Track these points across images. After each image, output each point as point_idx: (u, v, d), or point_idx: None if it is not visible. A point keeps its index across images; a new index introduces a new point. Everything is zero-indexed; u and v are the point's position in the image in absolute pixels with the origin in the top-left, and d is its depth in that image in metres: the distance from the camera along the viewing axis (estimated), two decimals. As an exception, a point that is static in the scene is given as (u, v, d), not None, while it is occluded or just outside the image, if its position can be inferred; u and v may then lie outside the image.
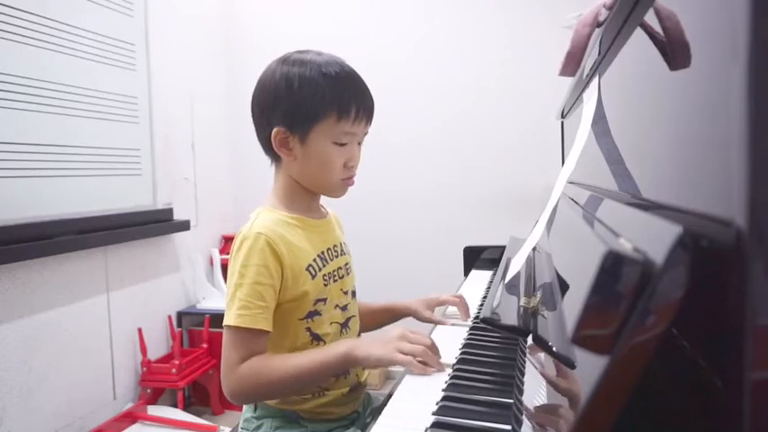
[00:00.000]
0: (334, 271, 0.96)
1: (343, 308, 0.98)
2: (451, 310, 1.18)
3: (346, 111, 0.89)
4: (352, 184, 0.96)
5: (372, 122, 0.96)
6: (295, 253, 0.90)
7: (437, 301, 1.16)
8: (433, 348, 0.86)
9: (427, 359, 0.84)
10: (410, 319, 1.15)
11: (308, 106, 0.88)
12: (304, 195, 0.97)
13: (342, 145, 0.91)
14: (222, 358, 0.86)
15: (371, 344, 0.84)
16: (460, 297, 1.18)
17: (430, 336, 1.03)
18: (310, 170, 0.93)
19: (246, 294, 0.84)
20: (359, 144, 0.95)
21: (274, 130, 0.90)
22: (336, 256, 0.98)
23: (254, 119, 0.95)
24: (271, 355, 0.87)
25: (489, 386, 0.76)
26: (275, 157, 0.95)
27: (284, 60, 0.92)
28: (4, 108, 1.64)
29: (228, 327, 0.85)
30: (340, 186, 0.95)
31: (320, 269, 0.93)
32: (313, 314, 0.92)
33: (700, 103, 0.39)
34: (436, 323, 1.12)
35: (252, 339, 0.85)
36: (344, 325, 0.98)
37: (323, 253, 0.95)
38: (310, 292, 0.91)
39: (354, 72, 0.93)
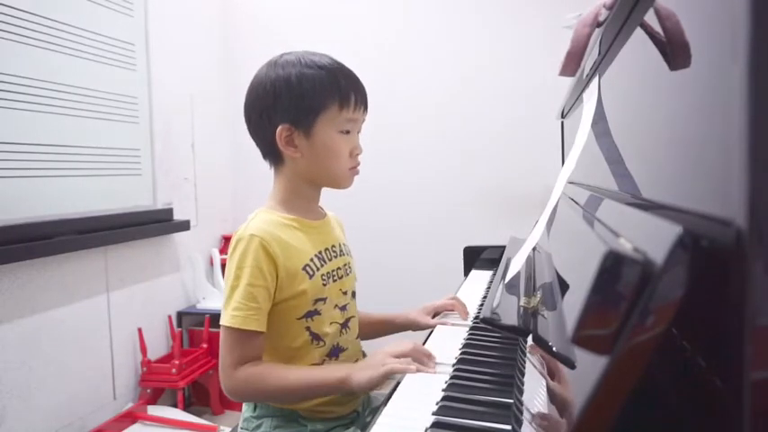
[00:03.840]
0: (333, 271, 0.97)
1: (343, 308, 0.98)
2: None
3: (347, 99, 0.92)
4: (358, 173, 0.98)
5: (368, 115, 0.99)
6: (290, 253, 0.91)
7: (433, 307, 1.17)
8: (415, 353, 0.86)
9: (410, 362, 0.84)
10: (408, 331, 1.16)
11: (310, 99, 0.91)
12: (304, 196, 0.98)
13: (346, 133, 0.94)
14: (219, 357, 0.89)
15: (363, 369, 0.85)
16: (455, 299, 1.18)
17: (428, 337, 1.04)
18: (318, 163, 0.94)
19: (240, 296, 0.86)
20: (357, 133, 0.98)
21: (279, 128, 0.91)
22: (336, 256, 0.99)
23: (251, 125, 0.96)
24: (270, 365, 0.89)
25: (489, 386, 0.76)
26: (276, 160, 0.96)
27: (275, 63, 0.94)
28: (4, 108, 1.64)
29: (223, 327, 0.87)
30: (348, 176, 0.97)
31: (318, 269, 0.94)
32: (312, 314, 0.93)
33: (700, 103, 0.39)
34: (437, 325, 1.12)
35: (245, 339, 0.87)
36: (344, 325, 0.98)
37: (321, 253, 0.96)
38: (308, 291, 0.91)
39: (344, 65, 0.96)
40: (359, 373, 0.84)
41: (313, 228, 0.98)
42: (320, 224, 1.00)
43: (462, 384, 0.78)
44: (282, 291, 0.90)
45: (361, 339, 1.07)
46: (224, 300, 0.88)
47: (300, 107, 0.91)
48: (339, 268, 0.99)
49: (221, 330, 0.88)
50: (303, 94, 0.90)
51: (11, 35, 1.66)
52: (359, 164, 0.98)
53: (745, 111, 0.30)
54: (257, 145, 0.98)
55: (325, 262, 0.96)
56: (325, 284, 0.94)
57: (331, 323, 0.95)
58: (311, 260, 0.93)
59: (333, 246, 1.00)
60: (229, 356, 0.86)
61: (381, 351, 0.88)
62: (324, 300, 0.94)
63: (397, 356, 0.86)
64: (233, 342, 0.87)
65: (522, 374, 0.76)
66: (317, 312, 0.93)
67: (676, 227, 0.36)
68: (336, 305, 0.97)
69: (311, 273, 0.93)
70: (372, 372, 0.83)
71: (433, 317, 1.16)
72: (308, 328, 0.92)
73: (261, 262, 0.87)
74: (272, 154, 0.96)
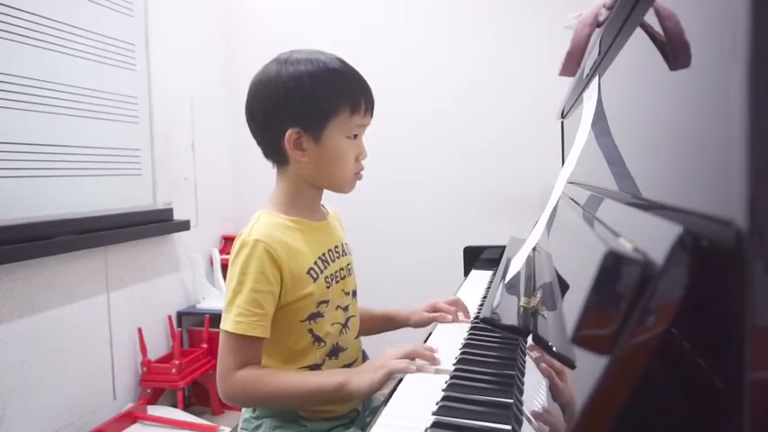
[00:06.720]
0: (336, 272, 0.96)
1: (344, 308, 0.98)
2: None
3: (357, 104, 0.91)
4: (361, 178, 0.97)
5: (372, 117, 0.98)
6: (295, 257, 0.90)
7: (432, 306, 1.15)
8: (416, 353, 0.87)
9: (412, 361, 0.85)
10: (408, 330, 1.15)
11: (322, 103, 0.89)
12: (307, 197, 0.97)
13: (353, 138, 0.93)
14: (218, 361, 0.87)
15: (362, 374, 0.84)
16: (456, 302, 1.16)
17: (428, 337, 1.04)
18: (325, 168, 0.92)
19: (244, 301, 0.85)
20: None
21: (288, 131, 0.89)
22: (338, 257, 0.98)
23: (254, 123, 0.93)
24: (269, 370, 0.88)
25: (489, 386, 0.76)
26: (279, 161, 0.94)
27: (285, 61, 0.91)
28: (4, 108, 1.64)
29: (225, 331, 0.86)
30: (351, 181, 0.96)
31: (322, 271, 0.93)
32: (315, 316, 0.92)
33: (700, 103, 0.39)
34: (437, 320, 1.12)
35: (247, 345, 0.86)
36: (345, 325, 0.98)
37: (324, 255, 0.95)
38: (314, 294, 0.91)
39: (353, 67, 0.94)
40: (358, 377, 0.83)
41: (316, 229, 0.97)
42: (323, 225, 0.99)
43: (462, 384, 0.78)
44: (287, 295, 0.89)
45: (364, 334, 1.07)
46: (225, 303, 0.87)
47: (312, 111, 0.88)
48: (342, 269, 0.98)
49: (221, 334, 0.86)
50: (315, 97, 0.88)
51: (11, 35, 1.66)
52: (362, 168, 0.97)
53: (746, 111, 0.30)
54: (259, 144, 0.95)
55: (328, 264, 0.95)
56: (328, 287, 0.94)
57: (332, 324, 0.95)
58: (315, 263, 0.92)
59: (336, 246, 0.99)
60: (230, 361, 0.85)
61: (381, 354, 0.87)
62: (327, 302, 0.93)
63: (398, 358, 0.85)
64: (234, 347, 0.85)
65: (522, 374, 0.76)
66: (319, 315, 0.92)
67: (676, 227, 0.36)
68: (338, 306, 0.97)
69: (315, 276, 0.92)
70: (372, 375, 0.82)
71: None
72: (310, 330, 0.92)
73: (265, 267, 0.86)
74: (275, 154, 0.94)
